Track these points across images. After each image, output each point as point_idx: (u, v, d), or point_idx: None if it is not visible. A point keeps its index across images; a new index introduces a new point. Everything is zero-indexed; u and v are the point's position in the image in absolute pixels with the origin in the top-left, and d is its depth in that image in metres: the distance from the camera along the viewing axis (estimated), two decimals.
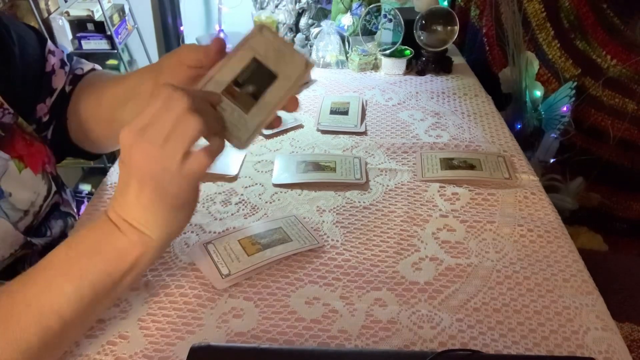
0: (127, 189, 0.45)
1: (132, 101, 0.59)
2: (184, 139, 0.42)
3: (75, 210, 0.77)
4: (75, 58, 0.70)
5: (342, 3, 1.16)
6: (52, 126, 0.66)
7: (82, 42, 1.94)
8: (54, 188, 0.63)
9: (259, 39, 0.50)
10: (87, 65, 0.70)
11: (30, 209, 0.59)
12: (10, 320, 0.42)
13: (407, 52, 1.10)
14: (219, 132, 0.47)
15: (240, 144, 0.48)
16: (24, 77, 0.61)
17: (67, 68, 0.67)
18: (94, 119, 0.66)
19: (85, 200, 0.78)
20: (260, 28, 0.50)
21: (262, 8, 1.21)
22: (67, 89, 0.67)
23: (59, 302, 0.43)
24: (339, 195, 0.72)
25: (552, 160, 1.38)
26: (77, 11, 1.90)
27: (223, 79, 0.48)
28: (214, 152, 0.44)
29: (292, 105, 0.49)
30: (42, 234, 0.64)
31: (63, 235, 0.69)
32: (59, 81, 0.66)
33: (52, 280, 0.44)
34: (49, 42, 0.66)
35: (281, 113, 0.50)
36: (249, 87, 0.48)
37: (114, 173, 0.76)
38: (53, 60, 0.65)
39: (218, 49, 0.50)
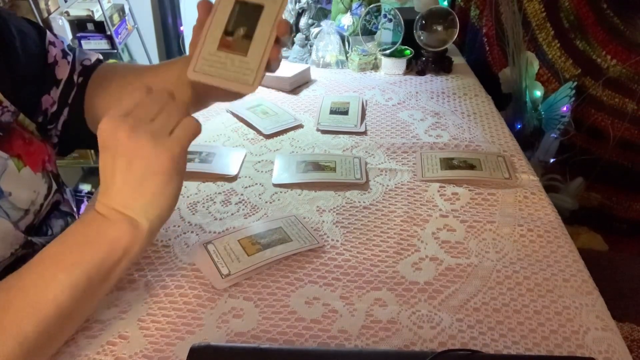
0: (113, 174, 0.46)
1: None
2: (173, 116, 0.45)
3: (75, 209, 0.76)
4: (77, 49, 0.70)
5: (342, 3, 1.16)
6: (64, 118, 0.66)
7: (82, 42, 1.94)
8: (54, 186, 0.63)
9: None
10: (93, 56, 0.70)
11: (30, 207, 0.59)
12: (8, 312, 0.42)
13: (407, 52, 1.10)
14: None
15: (250, 87, 0.48)
16: (26, 71, 0.61)
17: (69, 58, 0.66)
18: None
19: (85, 199, 0.77)
20: None
21: None
22: (78, 79, 0.66)
23: (54, 291, 0.44)
24: (339, 195, 0.72)
25: (552, 160, 1.38)
26: (77, 11, 1.90)
27: (214, 36, 0.49)
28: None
29: (282, 28, 0.49)
30: (43, 232, 0.64)
31: None
32: (63, 71, 0.65)
33: (46, 272, 0.44)
34: (49, 34, 0.65)
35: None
36: (240, 30, 0.49)
37: None
38: (54, 52, 0.65)
39: (205, 14, 0.51)
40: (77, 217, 0.76)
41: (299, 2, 1.18)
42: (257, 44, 0.49)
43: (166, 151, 0.44)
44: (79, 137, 0.68)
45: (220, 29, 0.49)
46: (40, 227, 0.63)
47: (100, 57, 0.72)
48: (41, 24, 1.81)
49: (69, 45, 0.69)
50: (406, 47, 1.10)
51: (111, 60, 2.09)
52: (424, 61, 1.10)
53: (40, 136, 0.62)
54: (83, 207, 0.81)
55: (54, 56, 0.64)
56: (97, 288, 0.47)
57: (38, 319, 0.43)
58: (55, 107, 0.65)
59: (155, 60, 2.27)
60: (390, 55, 1.09)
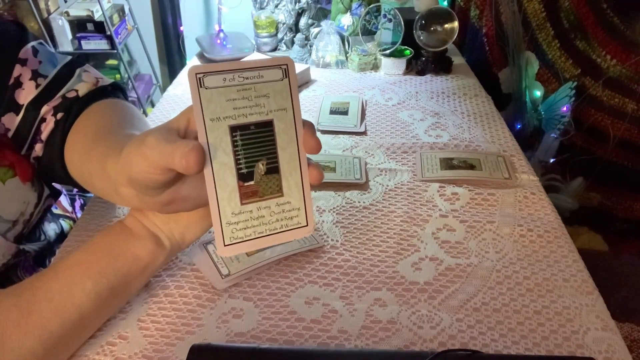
0: None
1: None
2: None
3: (71, 209, 0.76)
4: (77, 71, 0.58)
5: (342, 3, 1.16)
6: (36, 154, 0.57)
7: (82, 42, 1.94)
8: (46, 192, 0.62)
9: (208, 96, 0.36)
10: (84, 85, 0.58)
11: (19, 218, 0.57)
12: (32, 313, 0.43)
13: (407, 52, 1.10)
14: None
15: (306, 230, 0.40)
16: None
17: (42, 81, 0.56)
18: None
19: (77, 197, 0.76)
20: (193, 75, 0.35)
21: (261, 8, 1.21)
22: (57, 114, 0.55)
23: (79, 297, 0.45)
24: (339, 195, 0.72)
25: (552, 160, 1.38)
26: (77, 11, 1.91)
27: (229, 189, 0.37)
28: None
29: (309, 141, 0.39)
30: (36, 238, 0.63)
31: (61, 238, 0.68)
32: (26, 96, 0.55)
33: (73, 278, 0.46)
34: (30, 47, 0.56)
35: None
36: (259, 166, 0.38)
37: None
38: (20, 71, 0.55)
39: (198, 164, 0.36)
40: (76, 216, 0.75)
41: (299, 2, 1.18)
42: (288, 173, 0.38)
43: None
44: (56, 176, 0.58)
45: (231, 175, 0.37)
46: (33, 233, 0.62)
47: (101, 81, 0.59)
48: (41, 24, 1.82)
49: (69, 64, 0.59)
50: (406, 47, 1.10)
51: (111, 61, 2.09)
52: (424, 61, 1.10)
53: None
54: (77, 204, 0.80)
55: (15, 77, 0.55)
56: (117, 298, 0.49)
57: (62, 322, 0.44)
58: (11, 133, 0.56)
59: (155, 60, 2.27)
60: (390, 55, 1.09)
